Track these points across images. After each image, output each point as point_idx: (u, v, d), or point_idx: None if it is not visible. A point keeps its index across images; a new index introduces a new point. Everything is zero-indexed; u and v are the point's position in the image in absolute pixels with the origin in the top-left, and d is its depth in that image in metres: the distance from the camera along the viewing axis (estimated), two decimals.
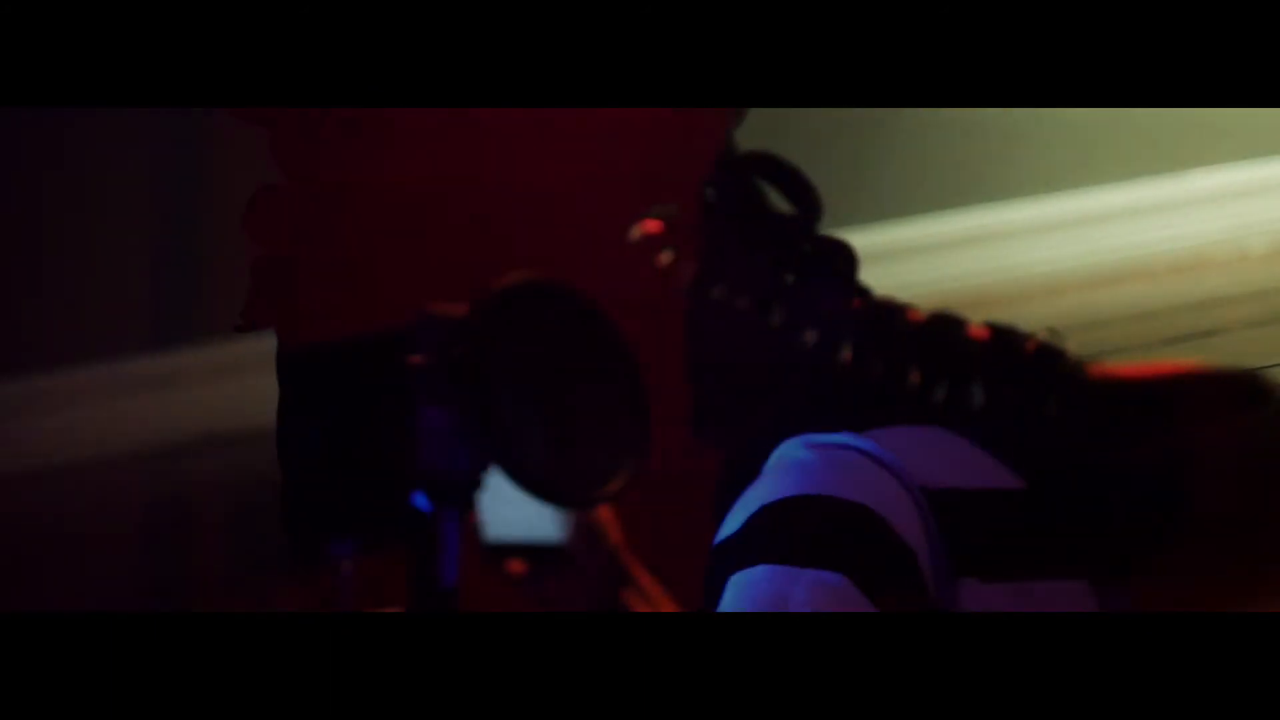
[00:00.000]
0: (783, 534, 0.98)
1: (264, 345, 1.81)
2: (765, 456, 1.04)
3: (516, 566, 1.53)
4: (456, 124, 2.97)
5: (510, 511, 1.51)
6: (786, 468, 1.00)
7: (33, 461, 2.87)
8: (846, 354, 1.08)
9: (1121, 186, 3.06)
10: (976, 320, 1.18)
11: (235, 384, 2.61)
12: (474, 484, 1.43)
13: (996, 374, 1.07)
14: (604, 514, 1.57)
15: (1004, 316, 1.25)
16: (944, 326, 1.13)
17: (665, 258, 1.39)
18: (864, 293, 1.16)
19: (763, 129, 1.42)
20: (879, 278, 1.28)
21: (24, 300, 2.90)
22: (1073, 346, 1.24)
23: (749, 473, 1.04)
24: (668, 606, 1.57)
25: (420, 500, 1.45)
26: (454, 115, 2.93)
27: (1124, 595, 1.09)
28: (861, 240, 1.31)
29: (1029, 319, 1.28)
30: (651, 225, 1.43)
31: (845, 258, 1.16)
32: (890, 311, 1.13)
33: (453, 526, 1.43)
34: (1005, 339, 1.15)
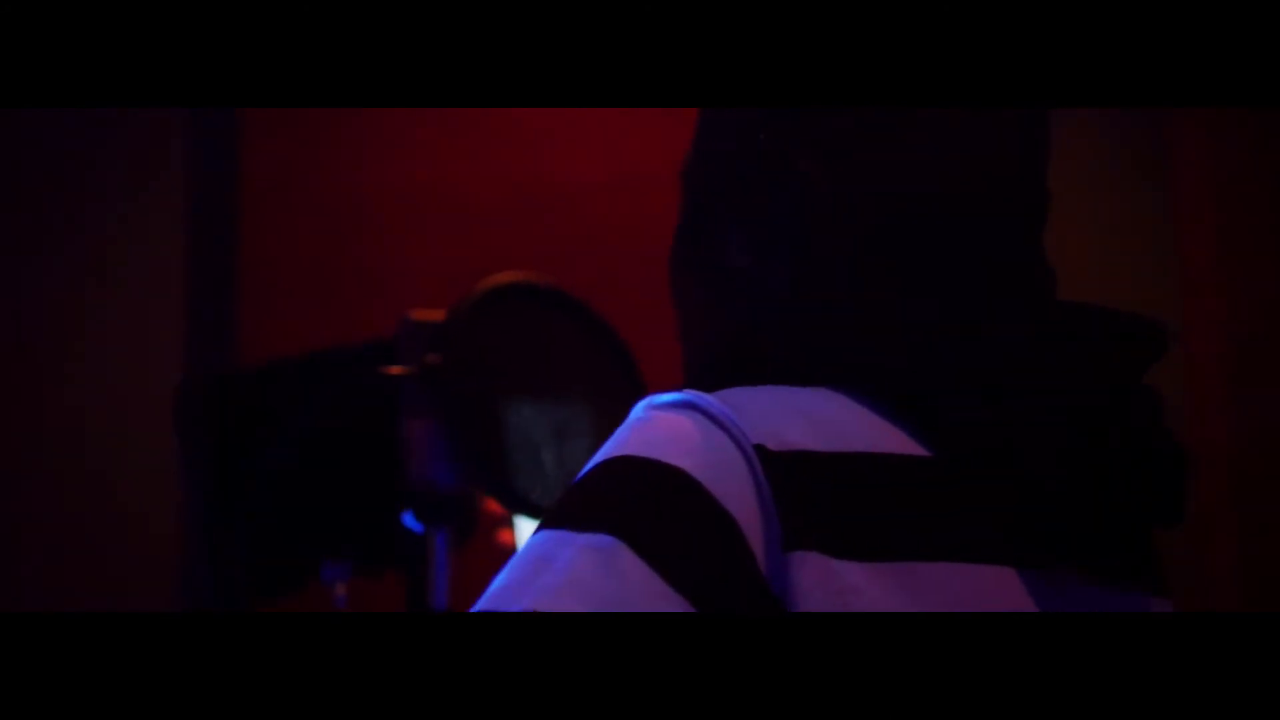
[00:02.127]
0: (570, 499, 0.85)
1: None
2: None
3: None
4: (460, 125, 2.91)
5: None
6: (618, 432, 0.90)
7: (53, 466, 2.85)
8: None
9: None
10: None
11: None
12: (463, 501, 1.34)
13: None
14: None
15: None
16: None
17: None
18: None
19: None
20: None
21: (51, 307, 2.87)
22: None
23: None
24: None
25: (410, 519, 1.37)
26: (458, 117, 2.88)
27: (1062, 584, 0.92)
28: None
29: None
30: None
31: None
32: None
33: (443, 546, 1.34)
34: None
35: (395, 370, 1.29)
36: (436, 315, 1.29)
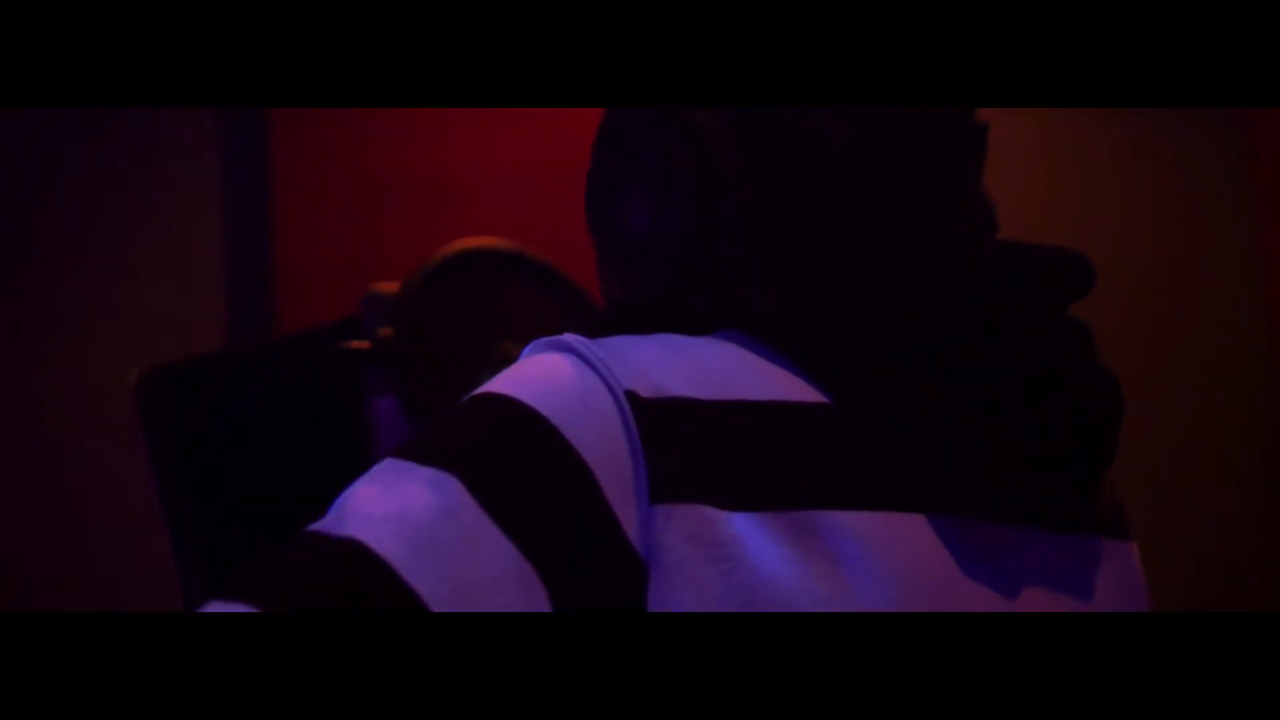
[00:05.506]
0: (423, 431, 0.83)
1: None
2: None
3: None
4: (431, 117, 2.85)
5: None
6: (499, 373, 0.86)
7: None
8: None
9: None
10: None
11: None
12: None
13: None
14: None
15: None
16: None
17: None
18: None
19: None
20: None
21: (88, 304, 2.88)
22: None
23: None
24: None
25: None
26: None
27: (982, 528, 0.87)
28: None
29: None
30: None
31: None
32: None
33: None
34: None
35: (356, 345, 1.25)
36: (396, 286, 1.25)
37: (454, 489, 0.78)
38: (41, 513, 2.85)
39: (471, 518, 0.78)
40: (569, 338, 0.85)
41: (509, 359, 1.24)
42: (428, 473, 0.79)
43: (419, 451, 0.81)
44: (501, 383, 0.84)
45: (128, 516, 2.80)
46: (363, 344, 1.25)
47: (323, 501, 1.40)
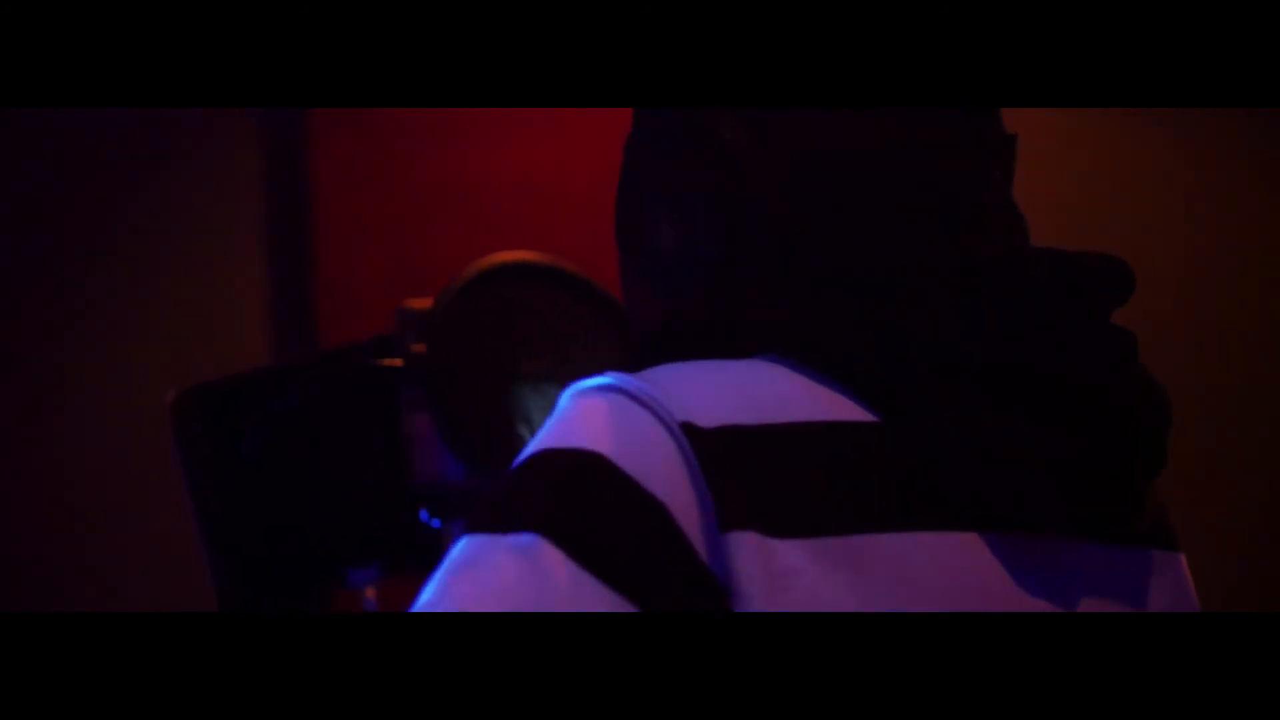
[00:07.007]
0: (491, 499, 0.81)
1: None
2: None
3: None
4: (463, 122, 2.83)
5: None
6: (544, 426, 0.84)
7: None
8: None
9: None
10: None
11: None
12: (475, 493, 1.29)
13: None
14: None
15: None
16: None
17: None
18: None
19: None
20: None
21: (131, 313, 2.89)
22: None
23: None
24: None
25: (425, 516, 1.33)
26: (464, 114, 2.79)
27: (1038, 545, 0.85)
28: None
29: None
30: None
31: None
32: None
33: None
34: None
35: (391, 363, 1.24)
36: (428, 303, 1.25)
37: (544, 549, 0.78)
38: (76, 523, 2.86)
39: (569, 573, 0.78)
40: (614, 377, 0.84)
41: (541, 374, 1.23)
42: (511, 540, 0.79)
43: (494, 522, 0.80)
44: (554, 437, 0.83)
45: (162, 534, 2.80)
46: (395, 361, 1.25)
47: (360, 519, 1.39)
